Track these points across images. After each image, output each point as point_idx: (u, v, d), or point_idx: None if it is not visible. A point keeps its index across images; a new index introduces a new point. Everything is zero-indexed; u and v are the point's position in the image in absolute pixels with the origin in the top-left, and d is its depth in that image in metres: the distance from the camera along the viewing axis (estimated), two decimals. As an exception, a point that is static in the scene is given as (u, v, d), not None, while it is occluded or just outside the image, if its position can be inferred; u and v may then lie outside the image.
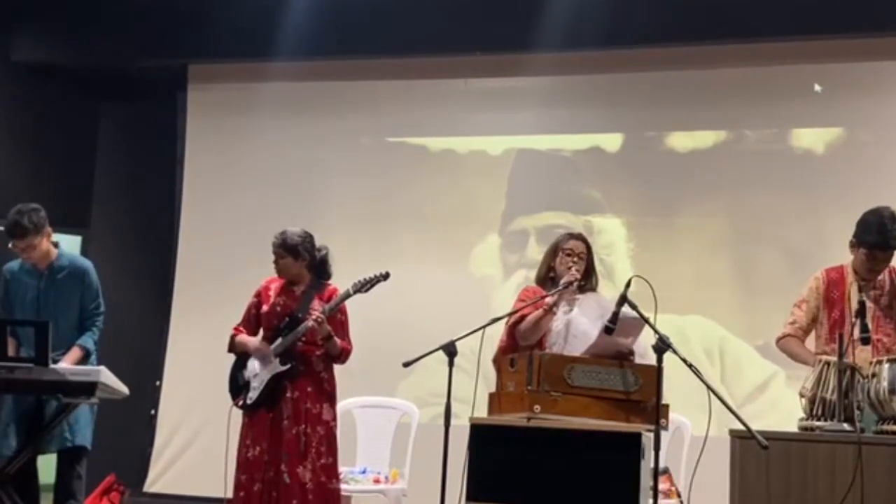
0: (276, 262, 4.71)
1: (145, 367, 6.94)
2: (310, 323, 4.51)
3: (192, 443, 6.88)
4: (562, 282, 4.12)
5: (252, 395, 4.59)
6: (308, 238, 4.73)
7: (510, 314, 4.12)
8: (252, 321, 4.78)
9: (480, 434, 3.74)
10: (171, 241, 7.27)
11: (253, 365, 4.65)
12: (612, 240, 6.46)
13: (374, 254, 6.52)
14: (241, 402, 4.64)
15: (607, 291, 4.35)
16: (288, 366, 4.57)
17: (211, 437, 6.41)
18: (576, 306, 4.15)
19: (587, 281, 4.25)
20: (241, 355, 4.73)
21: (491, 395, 3.93)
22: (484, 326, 3.90)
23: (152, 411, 7.05)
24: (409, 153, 6.97)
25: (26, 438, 4.60)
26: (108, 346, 5.07)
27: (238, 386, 4.68)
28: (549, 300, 4.08)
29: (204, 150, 7.30)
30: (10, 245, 4.76)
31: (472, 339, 3.89)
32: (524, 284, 4.73)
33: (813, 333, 4.33)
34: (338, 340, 4.61)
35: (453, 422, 3.83)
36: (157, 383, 7.07)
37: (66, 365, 4.53)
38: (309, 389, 4.59)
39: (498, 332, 4.13)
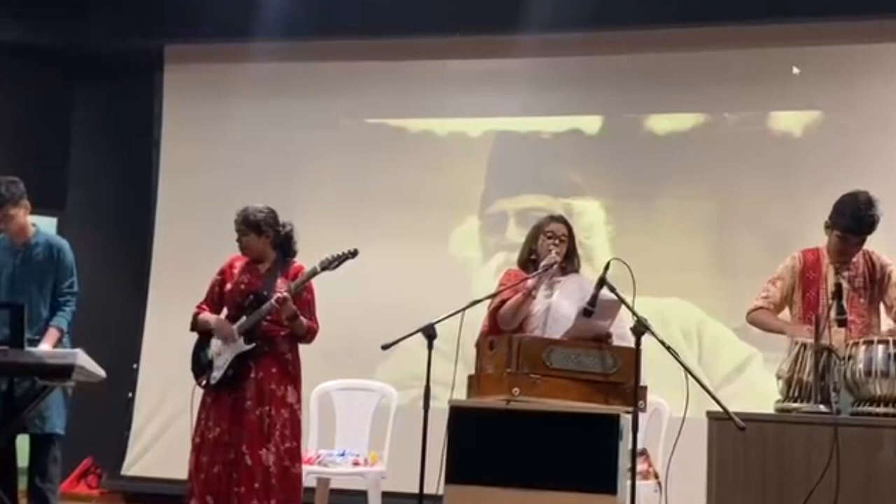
0: (238, 239, 4.63)
1: (122, 350, 6.89)
2: (273, 301, 4.43)
3: (169, 425, 6.84)
4: (542, 264, 4.12)
5: (215, 375, 4.51)
6: (271, 214, 4.65)
7: (490, 297, 4.12)
8: (215, 299, 4.70)
9: (460, 416, 3.75)
10: (148, 223, 7.21)
11: (216, 344, 4.57)
12: (592, 222, 6.46)
13: (353, 236, 6.39)
14: (203, 382, 4.56)
15: (587, 274, 4.35)
16: (252, 345, 4.49)
17: (188, 419, 6.37)
18: (557, 289, 4.15)
19: (569, 263, 4.25)
20: (204, 333, 4.64)
21: (470, 378, 3.93)
22: (463, 309, 3.88)
23: (129, 394, 7.01)
24: (389, 135, 6.94)
25: (2, 422, 4.56)
26: (84, 329, 5.04)
27: (201, 365, 4.59)
28: (529, 283, 4.08)
29: (181, 131, 7.24)
30: None
31: (452, 322, 3.88)
32: (504, 267, 4.73)
33: (787, 312, 4.35)
34: (304, 320, 4.54)
35: (432, 404, 3.83)
36: (134, 366, 7.03)
37: (43, 347, 4.50)
38: (273, 370, 4.52)
39: (478, 315, 4.12)
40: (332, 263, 4.48)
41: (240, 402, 4.47)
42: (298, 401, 4.60)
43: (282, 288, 4.49)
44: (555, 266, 4.13)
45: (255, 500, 4.37)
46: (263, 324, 4.52)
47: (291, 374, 4.58)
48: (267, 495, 4.38)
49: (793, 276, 4.27)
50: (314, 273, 4.50)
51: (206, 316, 4.65)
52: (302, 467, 4.63)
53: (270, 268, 4.65)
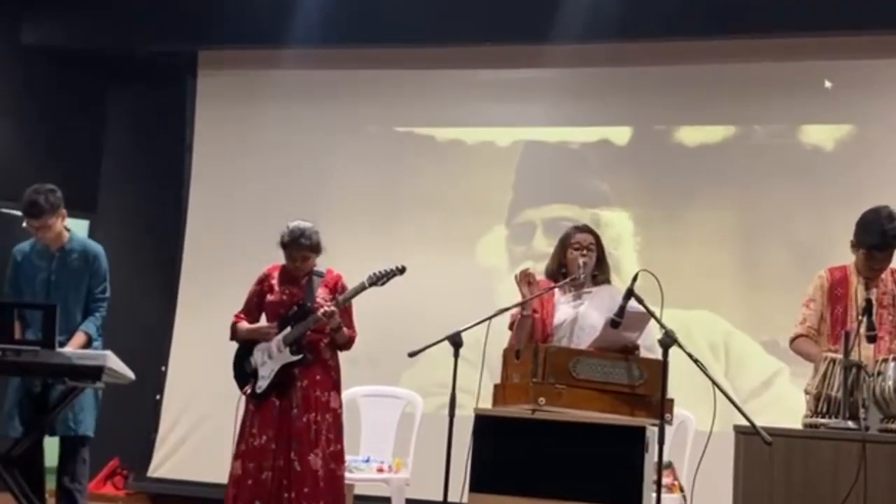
0: (303, 260, 4.61)
1: (151, 353, 6.94)
2: (320, 314, 4.49)
3: (196, 428, 6.90)
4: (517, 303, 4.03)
5: (261, 384, 4.56)
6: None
7: (516, 306, 4.11)
8: (254, 309, 4.74)
9: (484, 425, 3.75)
10: (179, 227, 7.27)
11: (260, 353, 4.63)
12: (619, 233, 6.45)
13: (381, 243, 6.53)
14: (249, 391, 4.62)
15: (614, 285, 4.33)
16: (300, 356, 4.54)
17: (216, 422, 6.42)
18: (587, 299, 4.13)
19: (600, 273, 4.22)
20: (246, 343, 4.70)
21: (496, 387, 3.93)
22: (490, 317, 3.88)
23: (157, 396, 7.06)
24: (417, 143, 6.96)
25: (32, 421, 4.62)
26: (114, 331, 5.09)
27: (245, 374, 4.66)
28: (526, 297, 4.01)
29: (213, 136, 7.30)
30: (24, 224, 4.78)
31: (478, 330, 3.87)
32: (530, 276, 4.70)
33: None
34: (346, 330, 4.61)
35: (457, 412, 3.83)
36: (163, 369, 7.08)
37: (72, 349, 4.54)
38: (318, 378, 4.59)
39: (504, 324, 4.13)
40: (380, 279, 4.54)
41: (286, 409, 4.53)
42: (341, 405, 4.68)
43: (323, 298, 4.54)
44: (582, 277, 4.11)
45: (304, 503, 4.43)
46: (307, 333, 4.57)
47: (334, 380, 4.66)
48: (316, 498, 4.45)
49: (822, 295, 4.26)
50: (362, 288, 4.55)
51: (246, 325, 4.69)
52: (345, 471, 4.69)
53: (308, 277, 4.68)
